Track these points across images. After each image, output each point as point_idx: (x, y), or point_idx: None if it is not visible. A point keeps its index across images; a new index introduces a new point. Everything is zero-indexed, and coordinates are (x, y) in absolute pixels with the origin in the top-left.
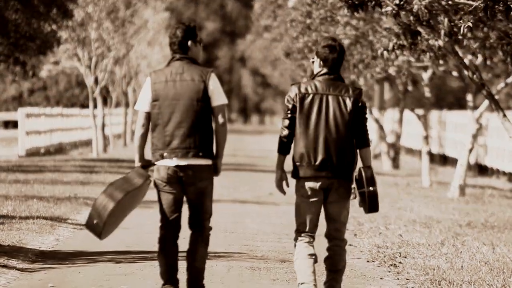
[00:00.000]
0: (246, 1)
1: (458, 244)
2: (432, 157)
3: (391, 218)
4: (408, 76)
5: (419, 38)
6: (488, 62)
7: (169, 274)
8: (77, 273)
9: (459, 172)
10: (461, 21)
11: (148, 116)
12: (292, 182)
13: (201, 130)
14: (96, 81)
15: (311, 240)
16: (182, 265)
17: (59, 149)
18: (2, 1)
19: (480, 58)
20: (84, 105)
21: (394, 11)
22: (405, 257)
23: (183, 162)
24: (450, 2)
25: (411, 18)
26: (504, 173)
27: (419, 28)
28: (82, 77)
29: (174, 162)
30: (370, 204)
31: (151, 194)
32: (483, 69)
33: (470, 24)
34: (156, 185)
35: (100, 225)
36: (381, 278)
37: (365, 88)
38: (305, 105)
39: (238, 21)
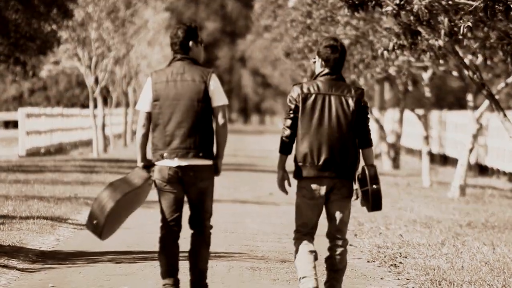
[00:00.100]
0: (246, 1)
1: (458, 244)
2: (433, 157)
3: (392, 218)
4: (408, 76)
5: (419, 38)
6: (489, 62)
7: (170, 274)
8: (78, 273)
9: (459, 172)
10: (461, 21)
11: (149, 116)
12: (293, 182)
13: (201, 131)
14: (96, 81)
15: (311, 239)
16: (183, 265)
17: (60, 149)
18: (2, 1)
19: (480, 58)
20: (85, 105)
21: (394, 11)
22: (406, 257)
23: (184, 163)
24: (450, 2)
25: (411, 18)
26: (504, 173)
27: (419, 28)
28: (82, 77)
29: (175, 162)
30: (374, 202)
31: (151, 194)
32: (483, 69)
33: (469, 23)
34: (156, 185)
35: (99, 226)
36: (381, 278)
37: (366, 88)
38: (307, 105)
39: (238, 21)
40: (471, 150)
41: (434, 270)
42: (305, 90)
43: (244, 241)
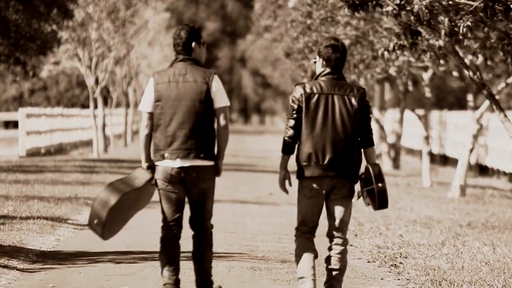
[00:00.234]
0: (246, 1)
1: (458, 244)
2: (433, 157)
3: (392, 218)
4: (408, 77)
5: (419, 38)
6: (489, 62)
7: (170, 274)
8: (78, 274)
9: (459, 172)
10: (461, 21)
11: (152, 116)
12: (295, 181)
13: (202, 132)
14: (96, 81)
15: (311, 238)
16: (183, 265)
17: (60, 149)
18: (2, 1)
19: (480, 58)
20: (85, 105)
21: (394, 11)
22: (406, 258)
23: (186, 163)
24: (450, 2)
25: (412, 18)
26: (504, 173)
27: (420, 28)
28: (82, 77)
29: (177, 163)
30: (380, 201)
31: (154, 195)
32: (483, 69)
33: (469, 23)
34: (157, 185)
35: (100, 225)
36: (381, 279)
37: (366, 89)
38: (311, 105)
39: (239, 22)
40: (471, 150)
41: (435, 270)
42: (308, 90)
43: (244, 241)
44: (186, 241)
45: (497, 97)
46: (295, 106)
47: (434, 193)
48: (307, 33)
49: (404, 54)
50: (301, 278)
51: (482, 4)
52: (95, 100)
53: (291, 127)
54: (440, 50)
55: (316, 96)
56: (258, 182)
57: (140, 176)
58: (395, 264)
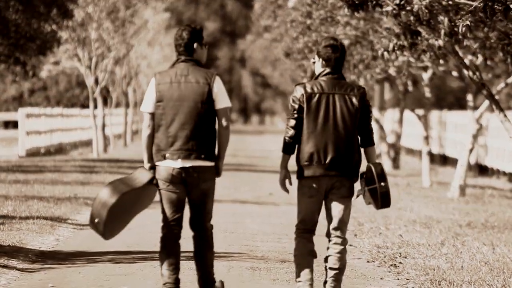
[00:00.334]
0: (246, 1)
1: (458, 244)
2: (432, 157)
3: (391, 218)
4: (408, 77)
5: (419, 38)
6: (489, 62)
7: (170, 274)
8: (77, 273)
9: (459, 172)
10: (461, 21)
11: (153, 117)
12: (295, 181)
13: (204, 132)
14: (96, 81)
15: (311, 237)
16: (183, 265)
17: (59, 149)
18: (2, 1)
19: (480, 58)
20: (84, 105)
21: (394, 11)
22: (405, 257)
23: (188, 164)
24: (450, 2)
25: (412, 18)
26: (504, 173)
27: (419, 28)
28: (82, 77)
29: (179, 163)
30: (383, 200)
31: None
32: (483, 69)
33: (468, 23)
34: (158, 185)
35: (101, 224)
36: (381, 278)
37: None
38: (312, 104)
39: (238, 21)
40: (471, 150)
41: (434, 270)
42: (308, 90)
43: (244, 241)
44: (186, 241)
45: (496, 97)
46: (296, 106)
47: (433, 193)
48: (307, 33)
49: (404, 54)
50: (299, 281)
51: (481, 4)
52: (94, 100)
53: (292, 127)
54: (439, 50)
55: (317, 96)
56: (258, 182)
57: (141, 176)
58: (395, 264)
